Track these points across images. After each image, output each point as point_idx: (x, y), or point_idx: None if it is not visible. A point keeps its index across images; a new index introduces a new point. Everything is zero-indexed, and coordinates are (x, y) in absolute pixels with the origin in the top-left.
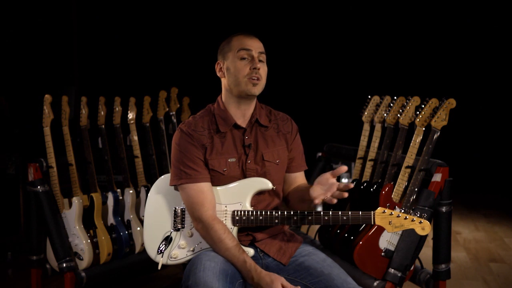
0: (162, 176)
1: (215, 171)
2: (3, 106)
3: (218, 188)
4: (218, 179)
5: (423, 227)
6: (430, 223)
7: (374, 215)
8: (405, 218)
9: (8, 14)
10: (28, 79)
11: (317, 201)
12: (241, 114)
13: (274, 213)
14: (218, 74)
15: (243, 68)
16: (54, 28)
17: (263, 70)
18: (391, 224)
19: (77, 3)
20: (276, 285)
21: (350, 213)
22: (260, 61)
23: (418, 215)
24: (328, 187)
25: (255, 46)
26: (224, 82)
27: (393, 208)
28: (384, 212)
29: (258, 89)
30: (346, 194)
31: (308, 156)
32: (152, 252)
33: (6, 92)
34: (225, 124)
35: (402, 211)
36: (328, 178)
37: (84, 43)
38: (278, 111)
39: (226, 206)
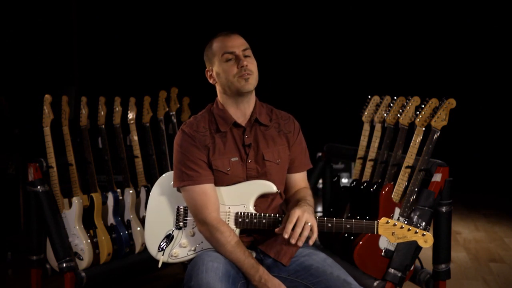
0: (165, 174)
1: (219, 171)
2: (3, 106)
3: (222, 188)
4: (222, 179)
5: (426, 240)
6: (430, 223)
7: (377, 225)
8: (408, 230)
9: (8, 14)
10: (28, 79)
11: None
12: (241, 113)
13: (278, 217)
14: (210, 81)
15: (231, 69)
16: (54, 28)
17: (251, 64)
18: (394, 235)
19: (77, 3)
20: None
21: (353, 221)
22: (246, 56)
23: (421, 227)
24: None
25: (237, 45)
26: (218, 87)
27: (393, 208)
28: (387, 222)
29: (251, 83)
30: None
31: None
32: (152, 249)
33: (6, 92)
34: (224, 124)
35: (406, 222)
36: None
37: (84, 43)
38: (280, 110)
39: (229, 208)
